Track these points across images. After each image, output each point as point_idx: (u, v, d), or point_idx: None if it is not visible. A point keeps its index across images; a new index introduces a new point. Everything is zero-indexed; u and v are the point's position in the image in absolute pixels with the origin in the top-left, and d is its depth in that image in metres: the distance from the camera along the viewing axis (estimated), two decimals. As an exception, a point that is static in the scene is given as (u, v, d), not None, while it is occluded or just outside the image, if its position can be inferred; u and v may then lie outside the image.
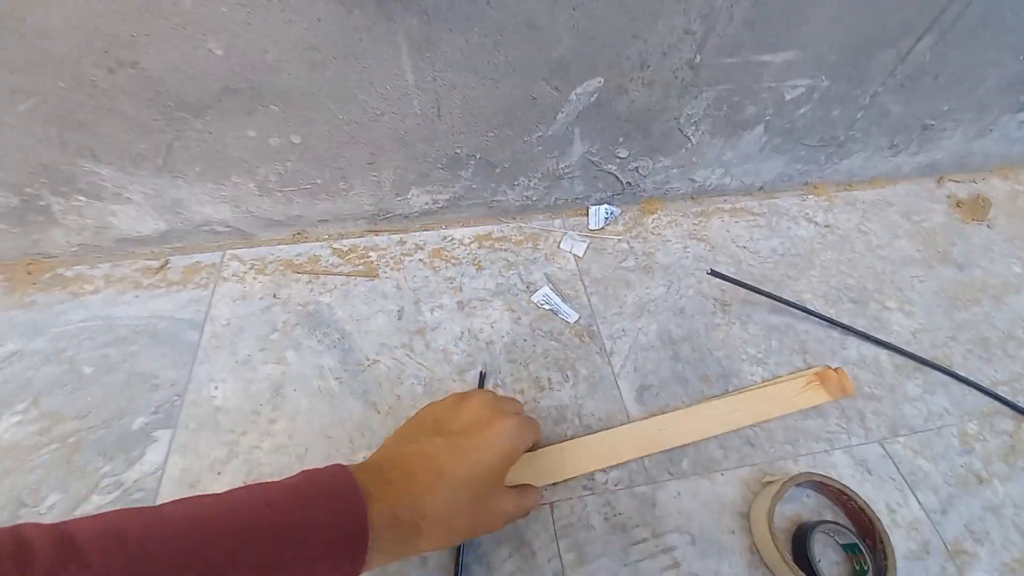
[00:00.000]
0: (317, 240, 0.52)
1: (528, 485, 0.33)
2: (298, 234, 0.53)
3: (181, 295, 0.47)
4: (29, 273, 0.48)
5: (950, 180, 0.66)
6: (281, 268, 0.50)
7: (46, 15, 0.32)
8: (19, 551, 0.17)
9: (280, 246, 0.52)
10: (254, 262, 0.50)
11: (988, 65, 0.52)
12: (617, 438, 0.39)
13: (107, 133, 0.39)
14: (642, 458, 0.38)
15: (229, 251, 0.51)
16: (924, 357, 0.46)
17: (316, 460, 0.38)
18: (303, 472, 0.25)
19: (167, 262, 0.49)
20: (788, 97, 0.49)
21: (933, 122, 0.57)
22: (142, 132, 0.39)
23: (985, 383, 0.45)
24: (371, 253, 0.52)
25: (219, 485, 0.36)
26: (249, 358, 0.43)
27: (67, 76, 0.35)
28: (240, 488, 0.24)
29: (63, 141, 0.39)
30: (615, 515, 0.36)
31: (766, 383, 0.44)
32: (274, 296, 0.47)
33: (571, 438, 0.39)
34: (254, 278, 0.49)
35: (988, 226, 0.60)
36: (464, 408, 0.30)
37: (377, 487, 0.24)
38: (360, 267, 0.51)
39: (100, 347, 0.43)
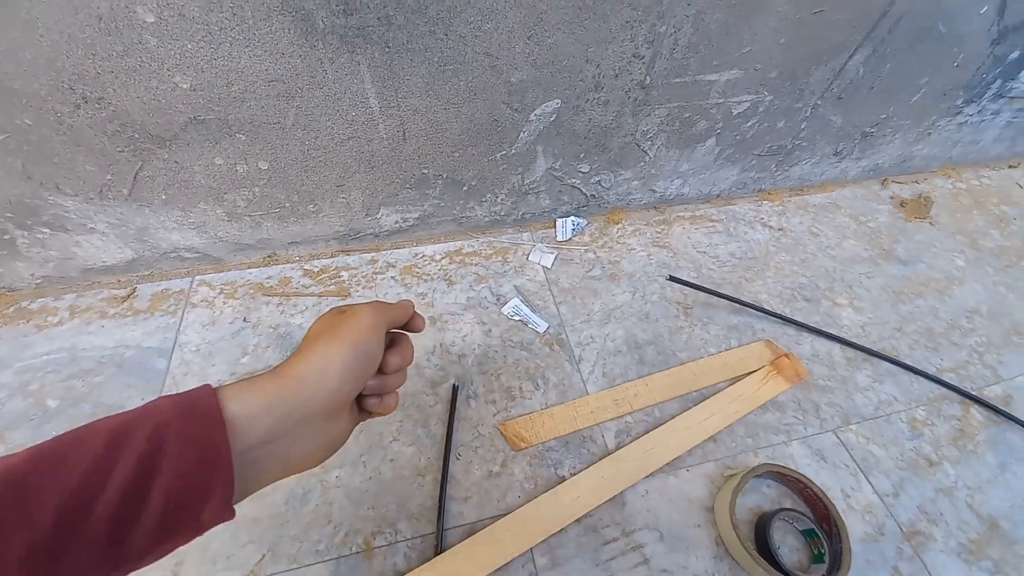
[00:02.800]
0: (288, 262, 0.53)
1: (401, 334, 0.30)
2: (268, 257, 0.53)
3: (149, 323, 0.47)
4: (-9, 307, 0.47)
5: (894, 182, 0.70)
6: (251, 292, 0.50)
7: (14, 55, 0.32)
8: None
9: (250, 270, 0.52)
10: (223, 287, 0.50)
11: (923, 74, 0.56)
12: (611, 468, 0.38)
13: (72, 165, 0.39)
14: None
15: (198, 277, 0.51)
16: (873, 349, 0.49)
17: (289, 483, 0.38)
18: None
19: (134, 290, 0.49)
20: (736, 111, 0.53)
21: (873, 129, 0.62)
22: (107, 163, 0.40)
23: (931, 371, 0.48)
24: (343, 273, 0.52)
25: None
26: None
27: (33, 113, 0.36)
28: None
29: (28, 175, 0.39)
30: (586, 516, 0.37)
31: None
32: (244, 320, 0.48)
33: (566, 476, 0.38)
34: (224, 302, 0.49)
35: (931, 223, 0.64)
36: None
37: (242, 390, 0.22)
38: (332, 287, 0.51)
39: (65, 379, 0.43)
